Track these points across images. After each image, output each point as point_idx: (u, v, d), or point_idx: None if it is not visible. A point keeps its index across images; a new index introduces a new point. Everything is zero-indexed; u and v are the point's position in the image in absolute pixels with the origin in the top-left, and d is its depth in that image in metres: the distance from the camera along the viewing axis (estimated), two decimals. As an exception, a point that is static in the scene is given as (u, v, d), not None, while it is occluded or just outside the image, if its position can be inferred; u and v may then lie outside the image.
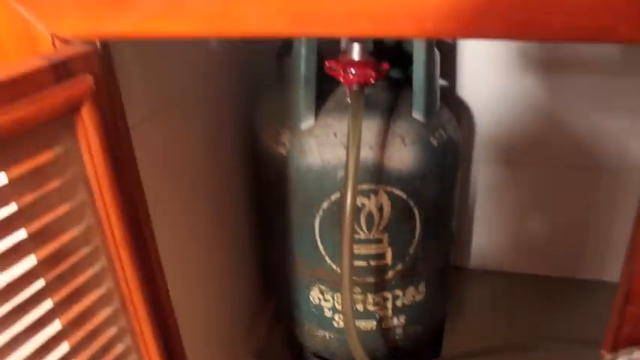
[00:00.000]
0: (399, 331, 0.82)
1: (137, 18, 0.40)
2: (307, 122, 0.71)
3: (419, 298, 0.80)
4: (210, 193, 0.75)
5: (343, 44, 0.71)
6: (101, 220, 0.48)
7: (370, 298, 0.77)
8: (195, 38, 0.40)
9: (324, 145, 0.70)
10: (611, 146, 0.87)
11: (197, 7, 0.39)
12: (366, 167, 0.69)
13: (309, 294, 0.78)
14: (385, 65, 0.70)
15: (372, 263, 0.74)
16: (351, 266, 0.67)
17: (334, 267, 0.75)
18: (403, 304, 0.79)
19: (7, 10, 0.42)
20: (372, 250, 0.73)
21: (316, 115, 0.71)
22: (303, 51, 0.69)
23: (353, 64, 0.68)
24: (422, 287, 0.79)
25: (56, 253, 0.45)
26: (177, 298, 0.55)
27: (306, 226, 0.73)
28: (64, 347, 0.46)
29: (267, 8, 0.38)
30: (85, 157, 0.45)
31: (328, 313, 0.79)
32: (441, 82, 0.85)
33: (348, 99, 0.69)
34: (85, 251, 0.48)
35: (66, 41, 0.43)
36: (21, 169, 0.41)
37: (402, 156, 0.70)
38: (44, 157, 0.42)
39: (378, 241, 0.73)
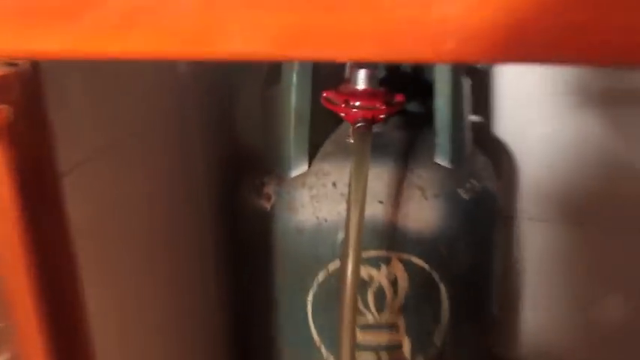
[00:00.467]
0: None
1: (83, 32, 0.37)
2: (299, 169, 0.70)
3: (448, 402, 0.76)
4: (173, 257, 0.72)
5: (346, 71, 0.69)
6: (9, 303, 0.45)
7: (382, 402, 0.74)
8: (159, 59, 0.37)
9: (320, 199, 0.68)
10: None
11: (162, 21, 0.35)
12: (375, 228, 0.66)
13: (301, 395, 0.75)
14: (399, 97, 0.67)
15: (384, 357, 0.71)
16: (354, 360, 0.64)
17: None
18: (426, 411, 0.75)
19: None
20: (383, 338, 0.70)
21: (310, 159, 0.70)
22: (294, 79, 0.67)
23: (357, 95, 0.66)
24: (452, 388, 0.75)
25: None
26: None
27: (295, 305, 0.70)
28: None
29: (248, 22, 0.34)
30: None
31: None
32: (474, 118, 0.83)
33: (351, 139, 0.67)
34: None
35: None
36: None
37: (423, 213, 0.68)
38: None
39: (392, 326, 0.70)
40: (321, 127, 0.72)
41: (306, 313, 0.70)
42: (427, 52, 0.33)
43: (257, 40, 0.34)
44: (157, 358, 0.71)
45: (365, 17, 0.33)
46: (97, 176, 0.57)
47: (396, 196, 0.67)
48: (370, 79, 0.67)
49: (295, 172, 0.69)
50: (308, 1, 0.33)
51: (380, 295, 0.68)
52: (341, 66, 0.70)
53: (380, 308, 0.69)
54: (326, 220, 0.67)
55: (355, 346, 0.64)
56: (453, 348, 0.73)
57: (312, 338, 0.71)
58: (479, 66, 0.81)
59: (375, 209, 0.66)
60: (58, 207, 0.46)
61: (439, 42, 0.32)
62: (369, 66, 0.67)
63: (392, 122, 0.73)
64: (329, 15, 0.33)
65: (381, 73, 0.78)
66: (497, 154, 0.87)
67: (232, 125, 0.84)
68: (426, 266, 0.68)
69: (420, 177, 0.68)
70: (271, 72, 0.73)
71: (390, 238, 0.67)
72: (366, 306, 0.68)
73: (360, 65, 0.67)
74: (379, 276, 0.67)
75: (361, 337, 0.69)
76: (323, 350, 0.71)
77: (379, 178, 0.67)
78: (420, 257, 0.68)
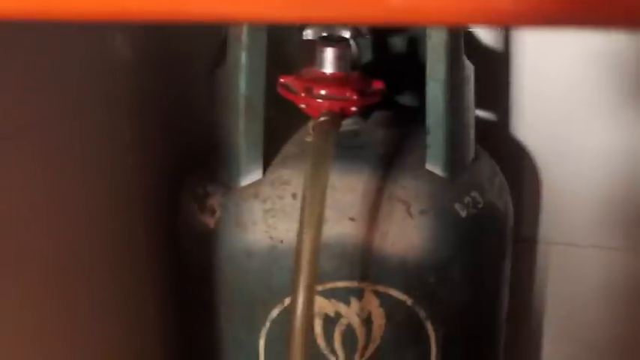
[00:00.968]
0: None
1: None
2: (250, 175, 0.68)
3: None
4: (95, 280, 0.71)
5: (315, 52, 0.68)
6: None
7: None
8: (84, 22, 0.36)
9: (276, 214, 0.67)
10: None
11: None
12: (344, 252, 0.65)
13: None
14: (377, 84, 0.67)
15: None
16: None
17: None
18: None
19: None
20: (353, 393, 0.70)
21: (265, 164, 0.68)
22: (243, 58, 0.65)
23: (323, 81, 0.65)
24: None
25: None
26: None
27: (245, 348, 0.70)
28: None
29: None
30: None
31: None
32: (481, 113, 0.83)
33: (309, 137, 0.67)
34: None
35: None
36: None
37: (406, 233, 0.66)
38: None
39: (364, 377, 0.69)
40: (282, 123, 0.70)
41: (258, 357, 0.69)
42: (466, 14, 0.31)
43: None
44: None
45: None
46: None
47: (372, 212, 0.66)
48: (340, 60, 0.66)
49: (246, 180, 0.68)
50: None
51: (349, 336, 0.67)
52: (307, 43, 0.69)
53: (349, 353, 0.68)
54: (282, 242, 0.66)
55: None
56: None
57: (264, 390, 0.71)
58: (488, 42, 0.81)
59: (345, 228, 0.65)
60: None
61: None
62: (341, 41, 0.66)
63: (375, 118, 0.72)
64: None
65: (366, 56, 0.77)
66: (514, 161, 0.86)
67: (174, 117, 0.84)
68: (409, 301, 0.67)
69: (405, 188, 0.67)
70: (220, 51, 0.72)
71: (364, 266, 0.66)
72: (332, 350, 0.67)
73: (328, 41, 0.65)
74: (349, 312, 0.66)
75: (325, 390, 0.68)
76: (277, 405, 0.71)
77: (351, 188, 0.66)
78: (402, 290, 0.66)
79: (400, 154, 0.69)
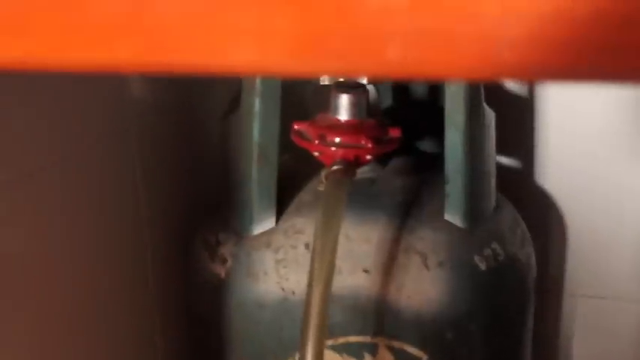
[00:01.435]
0: None
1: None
2: (263, 224, 0.68)
3: None
4: (101, 332, 0.71)
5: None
6: None
7: None
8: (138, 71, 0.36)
9: (288, 264, 0.66)
10: None
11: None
12: (357, 305, 0.64)
13: None
14: (394, 132, 0.66)
15: None
16: None
17: None
18: None
19: None
20: None
21: (279, 212, 0.68)
22: (257, 104, 0.65)
23: (337, 128, 0.64)
24: None
25: None
26: None
27: None
28: None
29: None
30: None
31: None
32: (505, 160, 0.83)
33: (322, 185, 0.65)
34: None
35: None
36: None
37: (422, 287, 0.65)
38: None
39: None
40: (296, 171, 0.70)
41: (266, 414, 0.68)
42: (479, 68, 0.30)
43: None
44: None
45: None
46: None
47: (388, 264, 0.65)
48: (356, 106, 0.65)
49: (258, 229, 0.67)
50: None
51: (362, 394, 0.66)
52: (324, 88, 0.69)
53: (363, 413, 0.66)
54: (294, 293, 0.65)
55: None
56: None
57: None
58: (512, 86, 0.81)
59: (359, 280, 0.64)
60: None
61: (496, 52, 0.30)
62: (356, 88, 0.65)
63: (393, 165, 0.72)
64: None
65: (387, 101, 0.76)
66: (539, 210, 0.86)
67: (189, 164, 0.84)
68: (425, 358, 0.65)
69: (422, 239, 0.66)
70: (237, 97, 0.71)
71: (378, 319, 0.65)
72: (345, 410, 0.66)
73: (343, 87, 0.65)
74: None
75: None
76: None
77: (366, 239, 0.65)
78: (417, 345, 0.65)
79: (418, 204, 0.68)
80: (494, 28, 0.28)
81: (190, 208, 0.79)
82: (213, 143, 0.76)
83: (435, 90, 0.75)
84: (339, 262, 0.61)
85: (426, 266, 0.65)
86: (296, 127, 0.66)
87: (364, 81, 0.66)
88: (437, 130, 0.70)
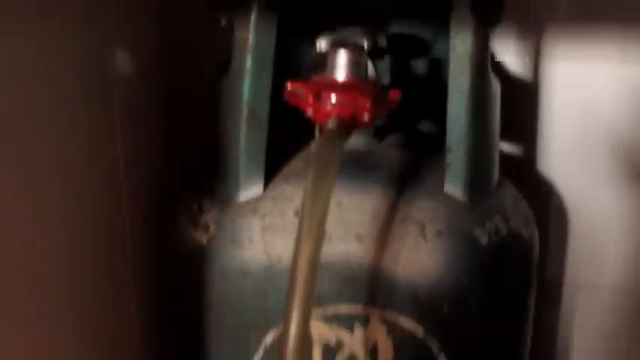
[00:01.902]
0: None
1: None
2: (250, 190, 0.67)
3: None
4: (77, 299, 0.69)
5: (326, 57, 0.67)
6: None
7: None
8: None
9: (275, 231, 0.64)
10: None
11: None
12: (348, 273, 0.63)
13: None
14: (394, 94, 0.65)
15: None
16: None
17: None
18: None
19: None
20: None
21: (267, 178, 0.67)
22: (248, 62, 0.65)
23: (334, 87, 0.63)
24: None
25: None
26: None
27: None
28: None
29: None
30: None
31: None
32: (506, 147, 0.83)
33: (315, 145, 0.65)
34: None
35: None
36: None
37: (419, 257, 0.63)
38: None
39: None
40: (288, 138, 0.69)
41: (250, 387, 0.67)
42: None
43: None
44: None
45: None
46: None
47: (383, 233, 0.63)
48: (354, 65, 0.64)
49: (245, 196, 0.66)
50: None
51: (352, 369, 0.65)
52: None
53: (352, 389, 0.65)
54: (280, 261, 0.63)
55: None
56: None
57: None
58: (516, 71, 0.81)
59: (351, 247, 0.62)
60: None
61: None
62: (354, 47, 0.64)
63: (390, 140, 0.72)
64: None
65: (384, 80, 0.76)
66: (540, 198, 0.85)
67: (174, 128, 0.83)
68: (421, 331, 0.64)
69: (420, 209, 0.64)
70: (227, 60, 0.70)
71: (370, 289, 0.63)
72: (332, 384, 0.65)
73: (340, 44, 0.64)
74: (352, 342, 0.64)
75: None
76: None
77: (360, 207, 0.64)
78: (412, 318, 0.64)
79: (417, 177, 0.67)
80: None
81: (174, 176, 0.79)
82: (201, 107, 0.75)
83: (436, 68, 0.75)
84: (329, 229, 0.59)
85: (424, 236, 0.63)
86: (290, 86, 0.64)
87: (363, 43, 0.65)
88: (437, 111, 0.70)
